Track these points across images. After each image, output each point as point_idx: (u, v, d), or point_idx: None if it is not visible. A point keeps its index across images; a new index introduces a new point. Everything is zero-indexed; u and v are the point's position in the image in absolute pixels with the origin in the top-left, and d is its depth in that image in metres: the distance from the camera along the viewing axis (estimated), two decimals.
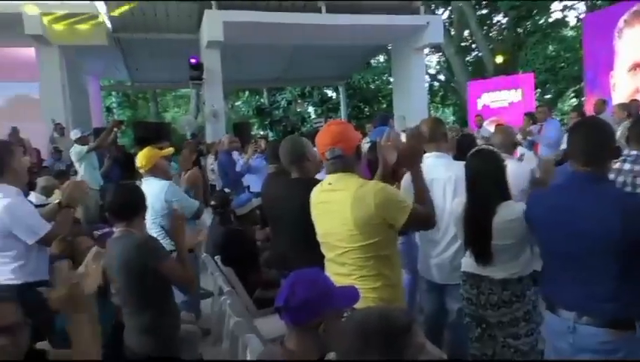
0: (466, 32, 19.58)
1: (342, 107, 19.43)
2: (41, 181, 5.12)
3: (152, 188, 3.49)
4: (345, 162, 2.14)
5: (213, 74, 10.99)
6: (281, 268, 3.33)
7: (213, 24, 10.35)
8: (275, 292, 3.48)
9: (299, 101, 23.60)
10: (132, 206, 2.40)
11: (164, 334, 2.27)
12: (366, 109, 24.09)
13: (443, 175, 2.75)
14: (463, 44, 20.04)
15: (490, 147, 2.71)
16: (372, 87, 24.12)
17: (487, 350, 2.48)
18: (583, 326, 1.85)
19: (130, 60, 14.01)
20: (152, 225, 3.42)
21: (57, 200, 2.92)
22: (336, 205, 2.13)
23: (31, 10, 9.58)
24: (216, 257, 3.76)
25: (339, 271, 2.15)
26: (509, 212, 2.33)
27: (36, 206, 3.00)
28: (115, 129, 7.43)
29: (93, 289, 1.68)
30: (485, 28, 19.98)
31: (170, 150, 4.03)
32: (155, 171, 3.63)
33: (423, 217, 2.13)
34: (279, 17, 10.57)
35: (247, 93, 24.90)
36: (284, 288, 1.53)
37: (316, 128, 10.61)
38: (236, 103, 25.40)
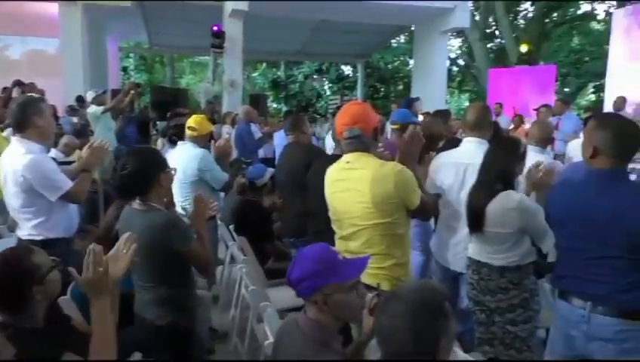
0: (491, 18, 19.21)
1: (359, 86, 19.25)
2: (63, 139, 5.25)
3: (187, 153, 3.59)
4: (362, 142, 2.20)
5: (234, 43, 10.88)
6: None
7: None
8: (286, 264, 3.59)
9: (315, 77, 23.41)
10: (146, 181, 2.13)
11: (181, 306, 2.19)
12: (382, 89, 23.90)
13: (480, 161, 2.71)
14: (487, 30, 19.68)
15: (515, 136, 2.75)
16: (390, 67, 23.86)
17: (491, 334, 2.55)
18: (597, 316, 1.91)
19: (152, 23, 13.90)
20: (179, 189, 3.49)
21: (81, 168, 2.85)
22: (353, 183, 2.18)
23: None
24: (230, 226, 3.83)
25: (349, 249, 2.21)
26: (508, 201, 2.38)
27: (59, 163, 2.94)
28: (132, 92, 7.45)
29: (121, 273, 1.68)
30: (511, 15, 19.59)
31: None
32: (199, 139, 3.68)
33: (429, 206, 2.37)
34: None
35: (264, 65, 24.74)
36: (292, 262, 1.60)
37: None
38: (252, 75, 25.25)
